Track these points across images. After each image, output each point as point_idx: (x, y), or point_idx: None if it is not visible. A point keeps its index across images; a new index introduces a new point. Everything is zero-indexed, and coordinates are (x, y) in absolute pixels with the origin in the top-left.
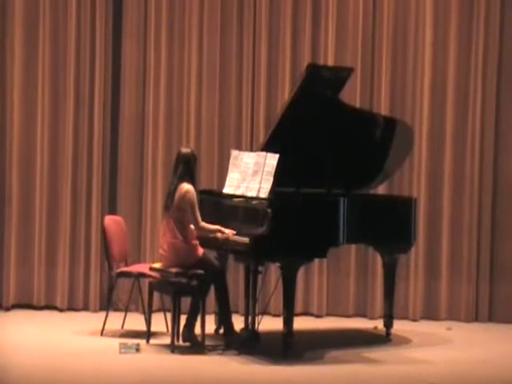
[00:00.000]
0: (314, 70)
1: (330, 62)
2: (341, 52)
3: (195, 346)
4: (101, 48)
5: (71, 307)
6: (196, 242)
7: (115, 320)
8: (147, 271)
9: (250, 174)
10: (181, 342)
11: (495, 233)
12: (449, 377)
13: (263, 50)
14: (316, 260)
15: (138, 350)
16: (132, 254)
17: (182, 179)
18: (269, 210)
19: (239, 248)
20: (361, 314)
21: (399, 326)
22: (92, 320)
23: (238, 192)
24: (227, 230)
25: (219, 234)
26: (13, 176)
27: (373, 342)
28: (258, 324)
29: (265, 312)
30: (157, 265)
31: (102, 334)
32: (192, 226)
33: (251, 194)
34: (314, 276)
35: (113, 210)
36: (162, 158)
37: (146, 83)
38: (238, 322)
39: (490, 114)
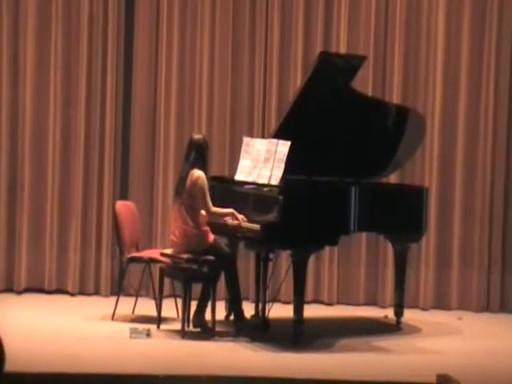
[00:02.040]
0: (327, 58)
1: (343, 50)
2: (353, 40)
3: (205, 331)
4: (113, 36)
5: (82, 292)
6: (207, 228)
7: (126, 305)
8: (158, 257)
9: (262, 161)
10: (191, 328)
11: (507, 222)
12: (459, 366)
13: (275, 38)
14: (327, 248)
15: (148, 335)
16: (143, 240)
17: (193, 165)
18: (280, 198)
19: (250, 235)
20: (371, 302)
21: (410, 315)
22: (103, 305)
23: (250, 179)
24: (240, 215)
25: (230, 221)
26: (25, 161)
27: (383, 330)
28: (269, 311)
29: (275, 299)
30: (168, 250)
31: (112, 319)
32: (203, 212)
33: (262, 181)
34: (324, 264)
35: (124, 196)
36: (174, 144)
37: (158, 70)
38: (249, 309)
39: (502, 103)
